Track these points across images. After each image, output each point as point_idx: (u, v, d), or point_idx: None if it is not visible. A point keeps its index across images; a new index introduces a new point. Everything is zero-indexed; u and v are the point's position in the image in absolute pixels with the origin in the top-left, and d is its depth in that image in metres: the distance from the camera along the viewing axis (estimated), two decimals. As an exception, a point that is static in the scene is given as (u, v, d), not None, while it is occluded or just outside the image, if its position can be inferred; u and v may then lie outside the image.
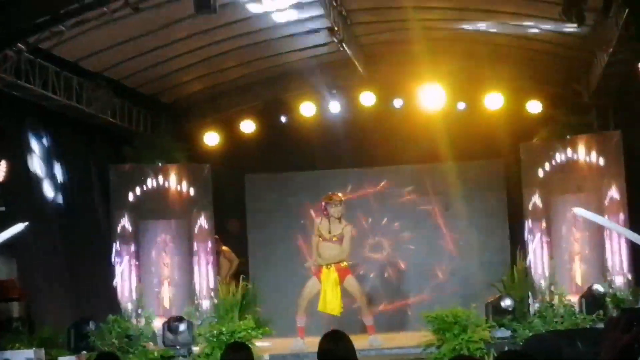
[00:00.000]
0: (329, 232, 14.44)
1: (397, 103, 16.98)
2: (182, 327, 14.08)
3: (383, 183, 17.92)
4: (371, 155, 17.41)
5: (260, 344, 13.72)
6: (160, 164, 16.87)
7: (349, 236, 14.50)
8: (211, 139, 17.35)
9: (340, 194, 14.79)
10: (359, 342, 13.69)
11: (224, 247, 17.33)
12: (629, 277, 14.96)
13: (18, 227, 12.32)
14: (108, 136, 16.24)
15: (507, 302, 14.32)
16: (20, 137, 14.22)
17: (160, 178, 16.80)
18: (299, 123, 17.18)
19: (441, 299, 16.61)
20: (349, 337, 6.97)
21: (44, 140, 14.72)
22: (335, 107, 17.21)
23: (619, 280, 15.13)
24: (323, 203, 14.68)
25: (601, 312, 13.35)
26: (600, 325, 12.64)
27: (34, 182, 14.46)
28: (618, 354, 3.16)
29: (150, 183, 16.70)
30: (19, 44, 12.25)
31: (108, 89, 14.68)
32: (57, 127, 14.90)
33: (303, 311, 14.70)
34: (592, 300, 13.86)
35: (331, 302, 14.35)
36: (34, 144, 14.51)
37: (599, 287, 14.23)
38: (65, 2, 11.66)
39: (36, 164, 14.52)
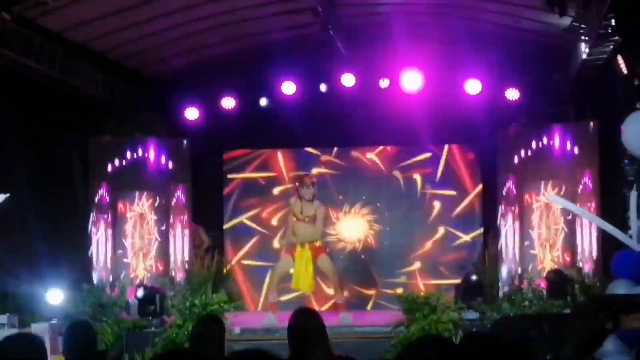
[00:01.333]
0: (301, 213, 14.61)
1: (378, 85, 17.05)
2: (156, 297, 14.20)
3: (361, 162, 18.00)
4: (350, 135, 17.47)
5: (232, 318, 13.84)
6: (139, 136, 16.92)
7: (322, 216, 14.68)
8: (191, 114, 17.40)
9: (312, 175, 14.96)
10: (330, 319, 13.93)
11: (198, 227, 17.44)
12: (598, 264, 15.12)
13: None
14: (89, 108, 16.24)
15: (473, 277, 14.57)
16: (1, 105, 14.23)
17: (139, 150, 16.86)
18: (280, 101, 17.23)
19: (413, 280, 16.78)
20: (319, 314, 7.11)
21: (24, 110, 14.73)
22: (316, 87, 17.28)
23: (588, 267, 15.33)
24: (295, 184, 14.90)
25: (569, 298, 13.53)
26: (568, 311, 12.84)
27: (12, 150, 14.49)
28: (586, 340, 3.30)
29: (129, 155, 16.76)
30: (3, 13, 12.26)
31: (91, 61, 14.70)
32: (38, 97, 14.90)
33: (275, 287, 14.88)
34: (560, 286, 14.04)
35: (304, 280, 14.55)
36: (14, 113, 14.51)
37: (566, 273, 14.42)
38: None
39: (16, 132, 14.54)
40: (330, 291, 16.23)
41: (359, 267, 17.90)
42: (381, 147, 17.88)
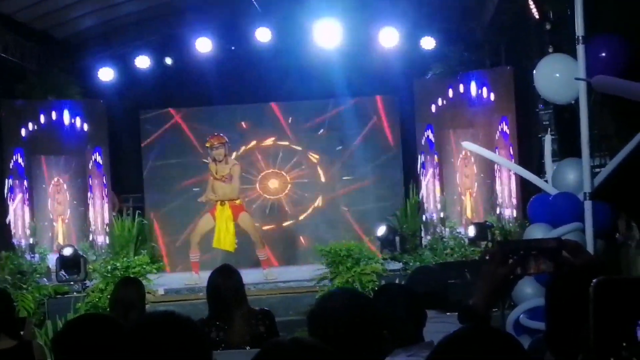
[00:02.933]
0: (217, 173, 14.61)
1: (293, 39, 16.96)
2: (76, 262, 14.07)
3: (277, 120, 17.93)
4: (267, 91, 17.39)
5: (155, 279, 13.78)
6: (52, 100, 16.66)
7: (237, 175, 14.70)
8: (105, 74, 17.13)
9: (221, 136, 14.88)
10: (254, 275, 13.95)
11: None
12: (518, 210, 15.27)
13: None
14: (-1, 72, 15.97)
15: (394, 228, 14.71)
16: None
17: (54, 114, 16.61)
18: (195, 59, 17.05)
19: (335, 233, 16.80)
20: (237, 271, 7.10)
21: None
22: (230, 43, 17.14)
23: (507, 213, 15.49)
24: (206, 146, 14.89)
25: (490, 244, 13.68)
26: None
27: None
28: (494, 286, 3.28)
29: (43, 119, 16.50)
30: None
31: (-1, 24, 14.41)
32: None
33: (196, 246, 14.85)
34: (480, 233, 14.18)
35: (225, 238, 14.55)
36: None
37: (486, 220, 14.58)
38: None
39: None
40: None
41: (280, 223, 17.86)
42: (299, 102, 17.75)
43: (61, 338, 3.66)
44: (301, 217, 17.83)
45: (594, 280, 2.22)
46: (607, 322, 2.15)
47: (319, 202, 17.83)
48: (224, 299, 6.92)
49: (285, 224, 17.81)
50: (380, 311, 3.66)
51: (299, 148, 17.87)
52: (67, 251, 14.26)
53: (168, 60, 17.13)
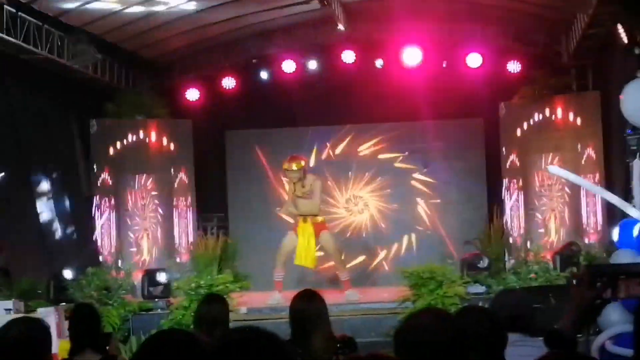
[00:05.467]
0: (295, 192, 14.67)
1: (378, 62, 17.01)
2: (161, 279, 14.23)
3: (364, 140, 17.95)
4: (352, 113, 17.44)
5: (238, 298, 13.85)
6: (140, 119, 16.91)
7: (318, 190, 14.75)
8: (192, 94, 17.36)
9: (297, 157, 14.92)
10: (335, 297, 13.95)
11: None
12: (603, 235, 15.08)
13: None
14: (89, 92, 16.21)
15: (484, 263, 14.53)
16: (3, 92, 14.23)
17: (141, 133, 16.87)
18: (280, 80, 17.17)
19: (419, 255, 16.75)
20: (321, 296, 7.09)
21: (25, 95, 14.73)
22: (316, 65, 17.23)
23: (593, 239, 15.30)
24: (283, 169, 14.97)
25: (575, 269, 13.50)
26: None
27: (15, 135, 14.48)
28: (583, 310, 3.27)
29: (131, 138, 16.76)
30: (-1, -1, 12.25)
31: (90, 44, 14.63)
32: (38, 82, 14.89)
33: (281, 265, 14.87)
34: (566, 258, 14.02)
35: (307, 256, 14.59)
36: (15, 99, 14.51)
37: (573, 246, 14.40)
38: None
39: (17, 119, 14.54)
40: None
41: (363, 245, 17.87)
42: (383, 124, 17.76)
43: (140, 354, 3.68)
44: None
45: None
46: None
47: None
48: (304, 322, 6.91)
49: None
50: (466, 332, 3.64)
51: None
52: (161, 277, 14.42)
53: (264, 75, 17.24)
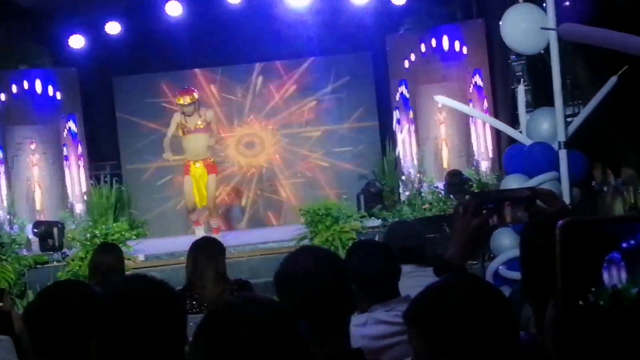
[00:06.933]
0: (187, 123, 14.66)
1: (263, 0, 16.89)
2: (55, 231, 14.03)
3: (252, 79, 17.85)
4: (239, 52, 17.30)
5: (134, 245, 13.77)
6: (23, 69, 16.56)
7: (215, 119, 14.84)
8: (76, 42, 16.99)
9: (192, 93, 14.89)
10: (232, 238, 13.97)
11: None
12: (494, 162, 15.32)
13: None
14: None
15: (375, 188, 14.68)
16: None
17: (25, 83, 16.52)
18: (165, 23, 16.92)
19: (314, 193, 16.82)
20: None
21: None
22: (200, 5, 17.01)
23: (484, 166, 15.52)
24: (176, 102, 14.92)
25: (467, 196, 13.66)
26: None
27: None
28: (469, 237, 3.29)
29: (15, 89, 16.40)
30: None
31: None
32: None
33: (192, 209, 15.05)
34: (458, 186, 14.21)
35: (201, 197, 14.77)
36: None
37: (454, 176, 14.59)
38: None
39: None
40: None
41: (256, 186, 17.87)
42: (272, 62, 17.69)
43: (33, 308, 3.64)
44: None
45: (559, 222, 2.21)
46: (575, 265, 2.14)
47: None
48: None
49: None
50: (349, 266, 3.65)
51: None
52: (55, 229, 14.21)
53: (149, 18, 16.96)
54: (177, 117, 14.85)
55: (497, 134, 15.03)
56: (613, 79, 8.68)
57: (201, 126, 14.66)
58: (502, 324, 2.61)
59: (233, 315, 2.51)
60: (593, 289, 2.08)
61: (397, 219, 13.21)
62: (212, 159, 14.91)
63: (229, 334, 2.46)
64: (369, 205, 14.75)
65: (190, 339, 2.60)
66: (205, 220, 15.40)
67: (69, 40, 16.91)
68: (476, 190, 13.10)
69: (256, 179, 17.79)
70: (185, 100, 14.68)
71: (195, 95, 14.91)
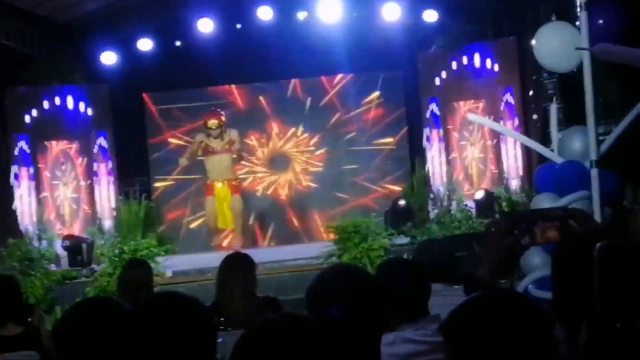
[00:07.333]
0: (212, 144, 14.76)
1: (296, 16, 16.91)
2: (84, 247, 14.05)
3: (286, 95, 17.84)
4: (271, 69, 17.31)
5: (163, 261, 13.76)
6: (56, 85, 16.65)
7: (239, 138, 14.99)
8: (108, 58, 17.07)
9: (219, 115, 14.98)
10: (263, 254, 13.94)
11: None
12: (524, 180, 15.24)
13: None
14: (3, 61, 15.86)
15: (402, 202, 14.64)
16: None
17: (57, 100, 16.61)
18: (197, 40, 16.97)
19: (343, 211, 16.80)
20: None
21: None
22: (233, 22, 17.06)
23: (514, 184, 15.44)
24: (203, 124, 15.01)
25: (497, 215, 13.61)
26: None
27: None
28: (500, 257, 3.25)
29: (47, 105, 16.50)
30: None
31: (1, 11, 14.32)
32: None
33: (215, 230, 15.01)
34: (487, 204, 14.14)
35: (225, 218, 14.81)
36: None
37: (493, 191, 14.53)
38: None
39: None
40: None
41: (288, 203, 17.84)
42: (303, 79, 17.68)
43: (61, 324, 3.62)
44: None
45: (597, 245, 2.18)
46: (613, 288, 2.12)
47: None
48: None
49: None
50: (382, 285, 3.61)
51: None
52: (66, 243, 14.24)
53: (180, 36, 17.05)
54: (199, 137, 14.97)
55: (527, 152, 14.95)
56: (645, 99, 8.62)
57: (227, 147, 14.78)
58: (540, 341, 2.58)
59: (273, 333, 2.51)
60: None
61: (425, 237, 13.15)
62: (236, 180, 14.99)
63: (270, 353, 2.47)
64: (396, 223, 14.69)
65: (218, 355, 2.58)
66: (228, 246, 15.36)
67: (101, 56, 16.99)
68: (507, 210, 13.04)
69: (285, 196, 17.78)
70: (214, 123, 14.80)
71: (223, 117, 15.04)
